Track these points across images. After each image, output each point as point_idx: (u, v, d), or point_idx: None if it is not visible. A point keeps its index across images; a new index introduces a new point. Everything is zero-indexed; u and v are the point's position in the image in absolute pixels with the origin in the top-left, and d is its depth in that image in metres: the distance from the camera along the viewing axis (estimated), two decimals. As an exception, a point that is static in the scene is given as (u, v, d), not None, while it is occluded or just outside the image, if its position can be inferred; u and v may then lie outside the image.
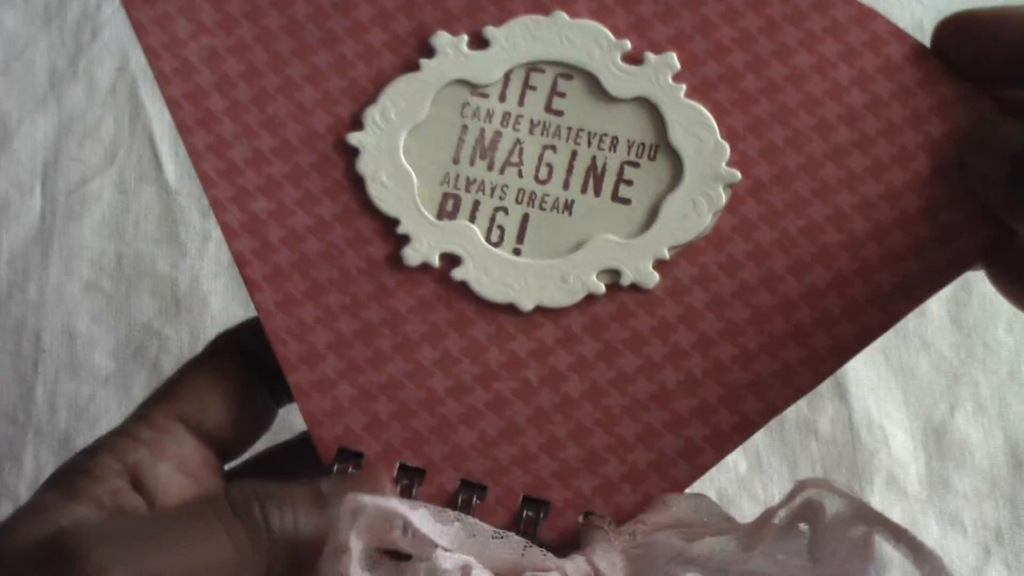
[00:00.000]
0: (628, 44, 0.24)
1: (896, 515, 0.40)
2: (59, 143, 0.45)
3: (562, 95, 0.24)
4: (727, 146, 0.24)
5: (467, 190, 0.24)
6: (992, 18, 0.23)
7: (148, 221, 0.43)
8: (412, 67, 0.24)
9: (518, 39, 0.24)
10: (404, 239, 0.24)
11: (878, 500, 0.41)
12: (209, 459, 0.24)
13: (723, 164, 0.24)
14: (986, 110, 0.23)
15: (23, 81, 0.46)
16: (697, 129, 0.24)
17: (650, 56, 0.24)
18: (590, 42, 0.24)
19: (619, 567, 0.22)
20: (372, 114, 0.24)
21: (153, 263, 0.43)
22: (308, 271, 0.24)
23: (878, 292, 0.24)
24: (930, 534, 0.40)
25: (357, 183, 0.24)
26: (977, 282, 0.41)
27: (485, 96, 0.24)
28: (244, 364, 0.25)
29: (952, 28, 0.24)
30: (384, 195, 0.24)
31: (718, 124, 0.24)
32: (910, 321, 0.39)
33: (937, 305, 0.42)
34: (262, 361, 0.25)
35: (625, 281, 0.24)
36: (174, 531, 0.20)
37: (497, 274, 0.24)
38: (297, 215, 0.24)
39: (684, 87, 0.24)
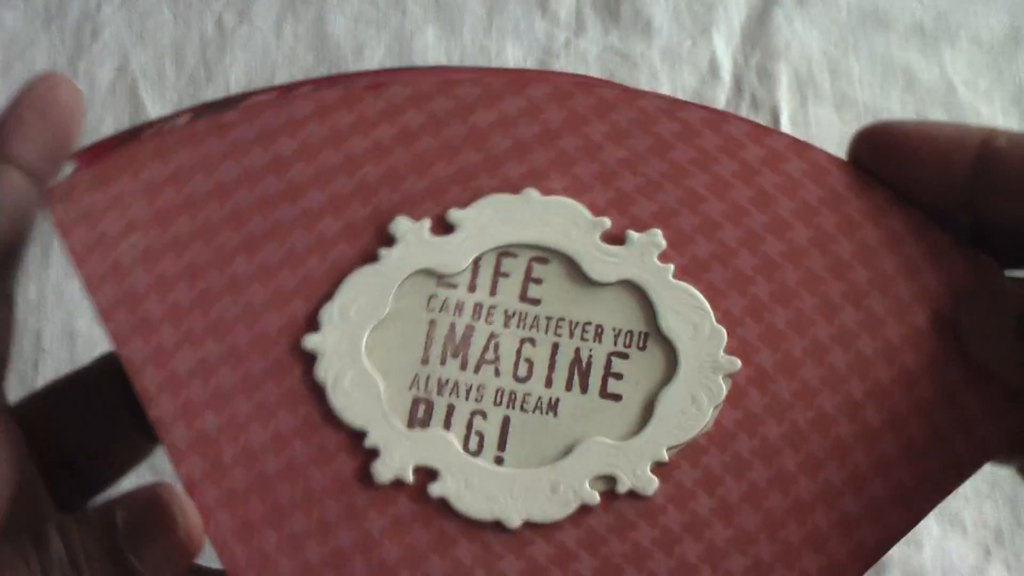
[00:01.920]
0: (608, 222, 0.22)
1: (896, 515, 0.40)
2: (59, 143, 0.45)
3: (538, 281, 0.22)
4: (724, 331, 0.22)
5: (439, 393, 0.22)
6: (916, 133, 0.22)
7: (147, 221, 0.43)
8: (371, 258, 0.22)
9: (486, 222, 0.22)
10: (373, 452, 0.21)
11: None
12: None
13: (721, 352, 0.22)
14: (987, 270, 0.22)
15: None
16: (690, 314, 0.22)
17: (633, 235, 0.22)
18: (567, 222, 0.22)
19: None
20: (329, 312, 0.22)
21: (153, 263, 0.43)
22: (267, 494, 0.21)
23: (900, 489, 0.21)
24: (930, 534, 0.40)
25: (317, 392, 0.22)
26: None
27: (453, 286, 0.22)
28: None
29: (872, 140, 0.22)
30: (348, 404, 0.21)
31: (712, 307, 0.22)
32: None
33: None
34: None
35: (622, 488, 0.21)
36: None
37: (479, 487, 0.21)
38: (251, 431, 0.21)
39: (672, 267, 0.22)
